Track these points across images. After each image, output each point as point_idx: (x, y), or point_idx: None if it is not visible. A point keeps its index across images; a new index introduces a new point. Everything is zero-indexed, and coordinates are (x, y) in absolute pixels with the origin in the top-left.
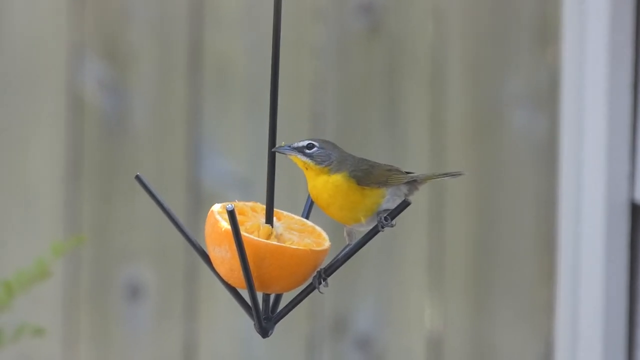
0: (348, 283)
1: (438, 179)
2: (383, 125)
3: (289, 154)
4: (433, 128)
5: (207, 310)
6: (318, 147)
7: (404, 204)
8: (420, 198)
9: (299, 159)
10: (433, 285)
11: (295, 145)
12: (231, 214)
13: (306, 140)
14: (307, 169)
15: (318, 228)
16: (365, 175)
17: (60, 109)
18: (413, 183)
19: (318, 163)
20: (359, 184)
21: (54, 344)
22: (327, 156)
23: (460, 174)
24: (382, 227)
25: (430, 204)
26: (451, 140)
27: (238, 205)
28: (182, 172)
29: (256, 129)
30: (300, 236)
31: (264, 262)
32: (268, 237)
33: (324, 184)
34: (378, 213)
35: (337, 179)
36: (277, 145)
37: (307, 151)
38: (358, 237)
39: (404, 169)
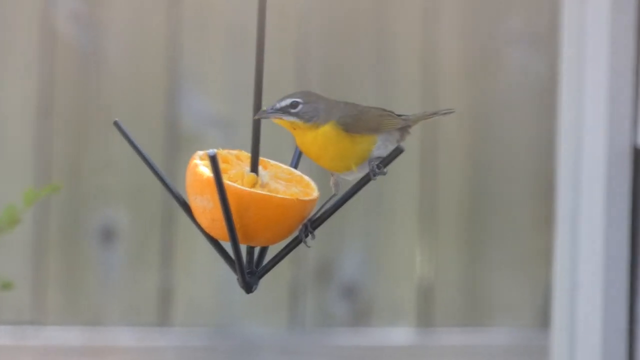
0: (334, 228)
1: (429, 119)
2: (371, 63)
3: (273, 118)
4: (425, 66)
5: (184, 255)
6: (303, 103)
7: (397, 151)
8: (412, 141)
9: (284, 121)
10: (424, 232)
11: (278, 105)
12: (213, 160)
13: (288, 98)
14: (294, 129)
15: (306, 177)
16: (355, 121)
17: (32, 44)
18: (405, 127)
19: (306, 121)
20: (347, 132)
21: (24, 291)
22: (315, 110)
23: (451, 112)
24: (375, 175)
25: (422, 147)
26: (444, 79)
27: (222, 153)
28: (159, 111)
29: (237, 67)
30: (287, 185)
31: (247, 213)
32: (252, 185)
33: (314, 139)
34: (370, 161)
35: (326, 130)
36: (260, 110)
37: (292, 110)
38: (347, 186)
39: (395, 111)
